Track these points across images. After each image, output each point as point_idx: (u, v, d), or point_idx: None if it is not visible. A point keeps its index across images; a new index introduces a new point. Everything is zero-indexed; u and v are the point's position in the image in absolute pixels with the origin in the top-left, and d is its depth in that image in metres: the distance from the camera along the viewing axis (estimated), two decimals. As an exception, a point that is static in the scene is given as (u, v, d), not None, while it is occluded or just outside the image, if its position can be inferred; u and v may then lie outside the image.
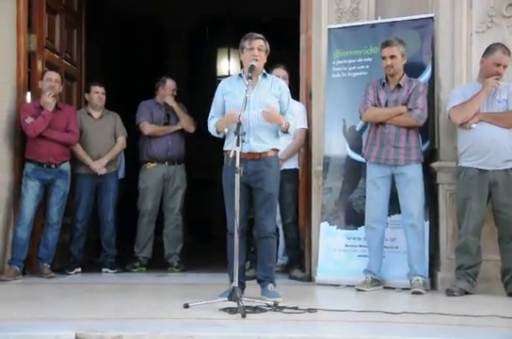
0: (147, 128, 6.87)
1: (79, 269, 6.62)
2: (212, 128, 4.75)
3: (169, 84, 6.95)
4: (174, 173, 6.88)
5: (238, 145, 4.26)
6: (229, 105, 4.70)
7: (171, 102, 6.90)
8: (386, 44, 5.40)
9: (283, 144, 5.32)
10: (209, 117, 4.80)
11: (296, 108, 5.41)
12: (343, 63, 5.93)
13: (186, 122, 6.82)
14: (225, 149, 4.71)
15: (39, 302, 4.76)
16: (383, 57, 5.41)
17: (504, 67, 5.22)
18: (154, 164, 6.76)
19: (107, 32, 10.03)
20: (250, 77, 4.58)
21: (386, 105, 5.46)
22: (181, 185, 6.88)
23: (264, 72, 4.79)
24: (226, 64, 11.89)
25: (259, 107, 4.66)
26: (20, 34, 6.34)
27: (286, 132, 4.70)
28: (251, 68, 4.64)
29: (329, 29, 5.95)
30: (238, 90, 4.66)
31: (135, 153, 7.00)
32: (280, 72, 6.15)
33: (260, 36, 4.75)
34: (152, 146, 6.78)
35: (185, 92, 7.47)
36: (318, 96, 5.99)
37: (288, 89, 4.89)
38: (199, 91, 10.31)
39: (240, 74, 4.73)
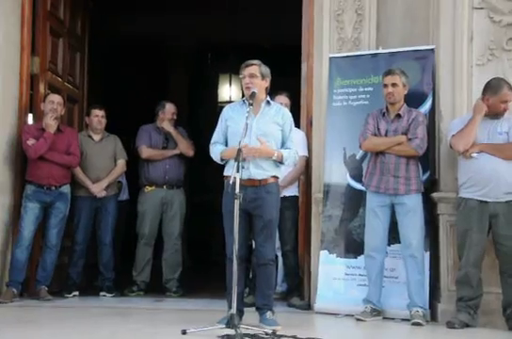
0: (144, 152, 6.88)
1: (77, 292, 6.57)
2: (216, 154, 4.75)
3: (169, 108, 6.97)
4: (173, 197, 6.87)
5: (238, 171, 4.26)
6: (231, 131, 4.70)
7: (168, 127, 6.91)
8: (388, 73, 5.45)
9: (284, 171, 5.32)
10: (211, 142, 4.80)
11: (297, 136, 5.41)
12: (343, 92, 5.93)
13: (185, 147, 6.82)
14: (225, 174, 4.69)
15: (35, 326, 4.73)
16: (385, 85, 5.44)
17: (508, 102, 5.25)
18: (153, 187, 6.77)
19: (108, 56, 10.06)
20: (251, 104, 4.58)
21: (386, 135, 5.49)
22: (180, 209, 6.88)
23: (269, 99, 4.78)
24: (227, 90, 11.83)
25: (260, 135, 4.69)
26: (23, 56, 6.37)
27: (281, 162, 4.70)
28: (252, 95, 4.64)
29: (331, 58, 5.95)
30: (240, 117, 4.65)
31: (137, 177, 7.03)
32: (282, 99, 6.16)
33: (253, 62, 4.73)
34: (149, 170, 6.78)
35: (186, 118, 7.45)
36: (319, 124, 6.00)
37: (291, 118, 4.88)
38: (199, 117, 10.34)
39: (244, 100, 4.74)
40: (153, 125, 7.06)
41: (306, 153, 6.15)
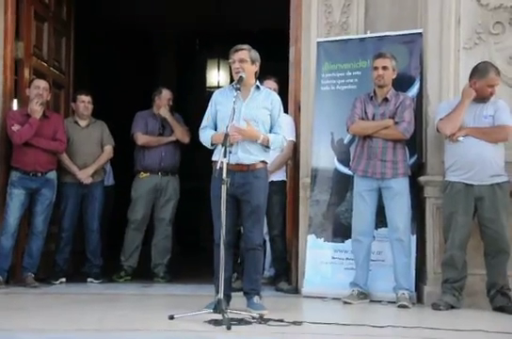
0: (140, 139, 6.82)
1: (64, 279, 6.47)
2: (206, 139, 4.73)
3: (165, 94, 6.93)
4: (167, 184, 6.79)
5: (225, 156, 4.24)
6: (220, 116, 4.68)
7: (164, 113, 6.87)
8: (379, 56, 5.43)
9: (272, 156, 5.27)
10: (201, 126, 4.78)
11: (285, 121, 5.32)
12: (331, 76, 5.91)
13: (181, 133, 6.76)
14: (213, 159, 4.68)
15: (22, 313, 4.70)
16: (375, 68, 5.43)
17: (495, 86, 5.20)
18: (147, 174, 6.71)
19: (95, 41, 9.97)
20: (238, 89, 4.57)
21: (373, 119, 5.46)
22: (173, 195, 6.85)
23: (258, 84, 4.77)
24: (216, 75, 11.69)
25: (248, 119, 4.67)
26: (7, 41, 6.28)
27: (267, 147, 4.67)
28: (239, 79, 4.62)
29: (319, 42, 5.92)
30: (229, 101, 4.62)
31: (131, 163, 6.96)
32: (271, 84, 6.12)
33: (243, 47, 4.70)
34: (145, 156, 6.72)
35: (175, 104, 7.40)
36: (307, 109, 5.98)
37: (281, 104, 4.86)
38: (188, 103, 10.24)
39: (233, 86, 4.70)
40: (150, 111, 7.01)
41: (293, 138, 6.14)
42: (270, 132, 4.78)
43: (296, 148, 6.12)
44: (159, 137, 6.78)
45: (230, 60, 4.72)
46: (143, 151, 6.73)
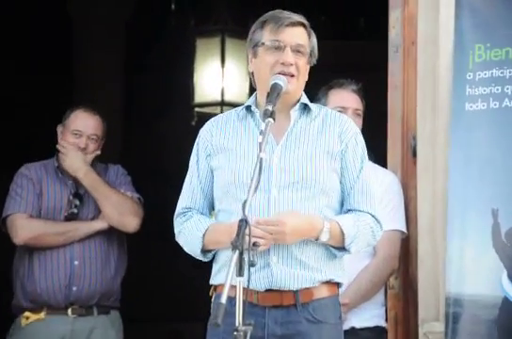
0: (23, 230, 3.52)
1: None
2: (189, 240, 2.64)
3: (81, 123, 3.58)
4: (92, 333, 3.50)
5: (241, 274, 2.21)
6: (223, 180, 2.61)
7: (78, 169, 3.54)
8: None
9: (350, 268, 2.90)
10: (177, 211, 2.68)
11: (380, 183, 3.20)
12: (491, 76, 3.24)
13: (116, 212, 3.64)
14: (213, 283, 2.67)
15: None
16: None
17: None
18: (40, 315, 3.51)
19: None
20: (271, 114, 2.40)
21: None
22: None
23: (306, 100, 2.67)
24: (216, 77, 5.10)
25: (291, 183, 2.58)
26: None
27: (340, 248, 2.59)
28: (273, 90, 2.48)
29: None
30: (243, 143, 2.60)
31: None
32: (346, 98, 3.37)
33: (299, 19, 2.58)
34: (33, 273, 3.55)
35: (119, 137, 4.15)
36: (434, 155, 3.41)
37: (363, 142, 2.72)
38: (149, 140, 5.90)
39: (249, 107, 2.62)
40: (50, 163, 3.71)
41: (401, 226, 3.42)
42: (342, 208, 2.68)
43: (406, 247, 3.48)
44: (68, 222, 3.64)
45: (268, 42, 2.57)
46: (29, 257, 3.62)
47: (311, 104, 2.63)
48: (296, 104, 2.58)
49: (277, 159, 2.53)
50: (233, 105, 4.83)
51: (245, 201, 2.24)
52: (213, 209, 2.68)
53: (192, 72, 4.86)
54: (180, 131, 4.92)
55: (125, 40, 6.09)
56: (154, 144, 5.76)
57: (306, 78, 2.64)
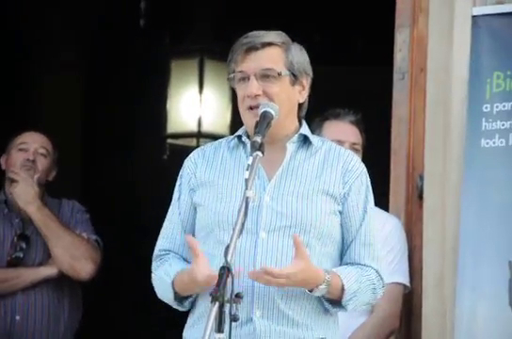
0: None
1: None
2: (162, 286, 2.36)
3: (27, 137, 3.33)
4: None
5: (221, 330, 2.02)
6: (204, 221, 2.34)
7: (30, 203, 3.21)
8: None
9: (343, 326, 2.55)
10: (155, 250, 2.41)
11: (382, 230, 2.91)
12: (510, 109, 2.91)
13: (68, 254, 3.25)
14: (186, 337, 2.37)
15: None
16: None
17: None
18: None
19: None
20: (260, 147, 2.17)
21: None
22: None
23: (306, 131, 2.38)
24: (194, 103, 4.61)
25: (282, 227, 2.33)
26: None
27: (339, 304, 2.30)
28: (263, 119, 2.24)
29: (476, 17, 2.95)
30: (231, 178, 2.36)
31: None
32: (343, 131, 3.06)
33: (267, 40, 2.27)
34: None
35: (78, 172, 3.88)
36: (443, 198, 3.01)
37: (368, 181, 2.40)
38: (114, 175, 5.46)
39: (240, 137, 2.38)
40: None
41: (405, 279, 3.10)
42: (343, 259, 2.39)
43: (409, 303, 3.16)
44: (11, 268, 3.28)
45: (232, 75, 2.35)
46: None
47: (311, 137, 2.34)
48: (292, 135, 2.31)
49: (268, 198, 2.28)
50: (212, 137, 4.37)
51: (227, 247, 2.04)
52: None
53: (165, 98, 4.34)
54: (150, 165, 4.45)
55: (85, 62, 5.65)
56: (118, 179, 5.25)
57: (294, 103, 2.34)
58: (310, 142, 2.33)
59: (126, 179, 4.66)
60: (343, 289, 2.25)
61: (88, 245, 3.19)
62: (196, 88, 4.26)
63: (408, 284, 2.97)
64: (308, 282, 2.24)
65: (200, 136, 4.28)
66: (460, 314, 2.84)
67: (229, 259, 2.05)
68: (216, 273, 2.10)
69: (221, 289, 2.01)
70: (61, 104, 4.91)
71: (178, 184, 2.43)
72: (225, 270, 2.03)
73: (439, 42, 2.85)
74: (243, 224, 2.09)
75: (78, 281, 3.20)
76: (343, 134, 2.96)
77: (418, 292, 3.02)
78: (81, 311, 3.25)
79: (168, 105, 4.29)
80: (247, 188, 2.10)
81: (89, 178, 4.86)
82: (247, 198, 2.09)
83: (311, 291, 2.24)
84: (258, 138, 2.19)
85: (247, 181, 2.11)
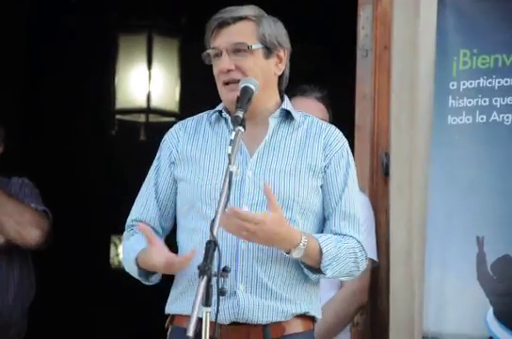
0: None
1: None
2: (126, 261, 2.36)
3: None
4: None
5: (209, 304, 2.04)
6: (186, 196, 2.35)
7: None
8: None
9: (322, 297, 2.60)
10: (128, 219, 2.40)
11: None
12: (477, 87, 2.92)
13: (13, 220, 3.27)
14: (169, 312, 2.37)
15: None
16: None
17: None
18: None
19: None
20: (242, 122, 2.17)
21: None
22: None
23: (289, 106, 2.36)
24: (142, 80, 4.40)
25: (265, 201, 2.30)
26: None
27: (315, 270, 2.30)
28: (244, 94, 2.24)
29: None
30: (213, 153, 2.35)
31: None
32: (309, 107, 2.94)
33: (242, 12, 2.27)
34: None
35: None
36: (410, 174, 3.01)
37: (350, 152, 2.39)
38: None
39: (220, 112, 2.36)
40: None
41: (372, 254, 3.05)
42: (325, 228, 2.40)
43: (375, 278, 3.10)
44: None
45: (207, 51, 2.32)
46: None
47: (294, 112, 2.31)
48: (273, 109, 2.29)
49: (251, 173, 2.28)
50: (161, 113, 4.31)
51: (213, 220, 2.04)
52: (171, 223, 2.39)
53: (113, 73, 4.24)
54: (97, 141, 4.31)
55: (25, 36, 5.39)
56: (64, 156, 5.09)
57: (271, 76, 2.31)
58: (292, 117, 2.31)
59: (74, 155, 4.55)
60: (321, 253, 2.23)
61: (34, 212, 3.17)
62: (144, 64, 4.19)
63: (376, 259, 2.97)
64: (282, 237, 2.22)
65: (149, 111, 4.19)
66: (428, 289, 2.85)
67: (215, 233, 2.04)
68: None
69: (208, 263, 2.02)
70: (4, 79, 4.77)
71: (157, 156, 2.40)
72: (211, 244, 2.04)
73: (403, 20, 2.82)
74: (228, 198, 2.08)
75: (26, 248, 3.17)
76: (308, 110, 2.93)
77: (385, 267, 3.02)
78: (34, 287, 3.22)
79: (116, 81, 4.21)
80: (230, 163, 2.10)
81: (34, 154, 4.76)
82: (230, 172, 2.09)
83: (288, 253, 2.23)
84: (240, 113, 2.18)
85: (230, 156, 2.11)
